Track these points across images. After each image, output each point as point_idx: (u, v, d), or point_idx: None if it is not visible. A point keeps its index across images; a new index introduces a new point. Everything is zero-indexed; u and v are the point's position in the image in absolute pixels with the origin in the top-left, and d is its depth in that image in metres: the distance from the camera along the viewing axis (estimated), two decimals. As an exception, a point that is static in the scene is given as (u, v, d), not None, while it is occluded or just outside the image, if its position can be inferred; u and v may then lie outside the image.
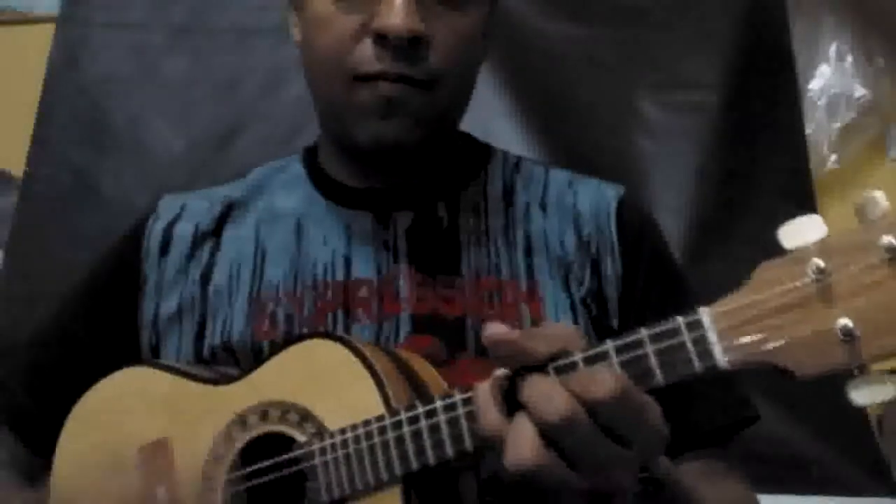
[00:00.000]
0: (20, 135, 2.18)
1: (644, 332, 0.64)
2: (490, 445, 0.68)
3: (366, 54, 0.89)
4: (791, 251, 0.60)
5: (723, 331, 0.61)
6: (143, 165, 2.17)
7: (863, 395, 0.57)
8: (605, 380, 0.62)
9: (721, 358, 0.61)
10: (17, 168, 2.19)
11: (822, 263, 0.58)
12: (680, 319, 0.63)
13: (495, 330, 0.65)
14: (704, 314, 0.63)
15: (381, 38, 0.88)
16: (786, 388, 1.75)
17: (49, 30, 2.26)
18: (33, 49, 2.26)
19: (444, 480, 0.76)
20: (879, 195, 0.57)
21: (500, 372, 0.67)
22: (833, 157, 2.11)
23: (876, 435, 1.89)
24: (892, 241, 0.56)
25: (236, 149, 2.17)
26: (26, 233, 2.15)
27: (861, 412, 1.89)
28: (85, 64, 2.24)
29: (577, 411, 0.62)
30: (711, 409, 0.93)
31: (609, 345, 0.65)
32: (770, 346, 0.60)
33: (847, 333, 0.57)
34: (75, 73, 2.24)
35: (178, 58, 2.25)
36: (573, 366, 0.65)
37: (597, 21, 2.20)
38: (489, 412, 0.66)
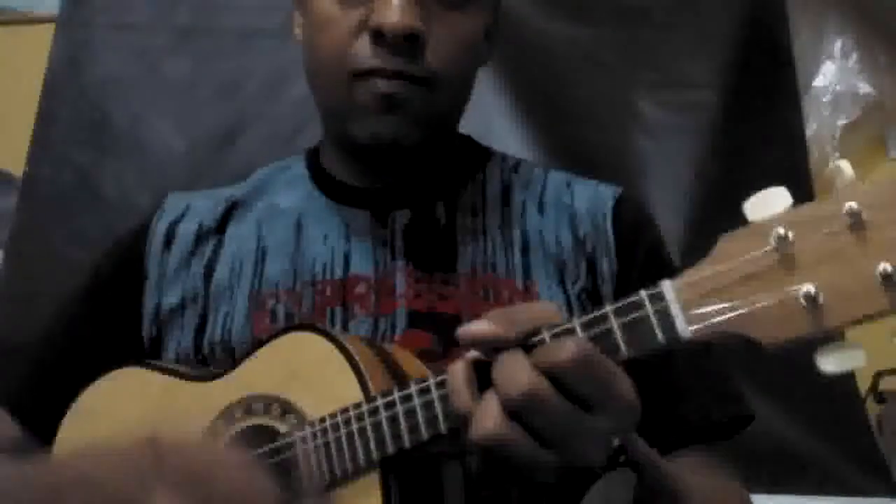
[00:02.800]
0: (20, 135, 2.18)
1: (609, 307, 0.64)
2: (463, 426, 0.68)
3: (363, 51, 0.89)
4: (754, 222, 0.60)
5: (685, 302, 0.61)
6: (145, 166, 2.17)
7: (831, 363, 0.56)
8: (565, 346, 0.62)
9: (684, 329, 0.61)
10: (17, 168, 2.20)
11: (783, 232, 0.58)
12: (643, 292, 0.64)
13: (468, 332, 0.66)
14: (667, 286, 0.63)
15: (378, 35, 0.88)
16: (786, 387, 1.77)
17: (49, 30, 2.26)
18: (33, 49, 2.26)
19: (426, 468, 0.76)
20: (844, 164, 0.57)
21: (472, 353, 0.68)
22: (836, 156, 2.10)
23: (876, 435, 1.89)
24: (854, 206, 0.56)
25: (238, 149, 2.17)
26: (26, 233, 2.15)
27: (861, 412, 1.89)
28: (86, 65, 2.25)
29: (540, 384, 0.62)
30: (703, 405, 0.93)
31: (575, 321, 0.65)
32: (733, 315, 0.59)
33: (810, 300, 0.56)
34: (76, 74, 2.24)
35: (180, 59, 2.26)
36: (542, 343, 0.66)
37: (597, 21, 2.20)
38: (461, 392, 0.67)
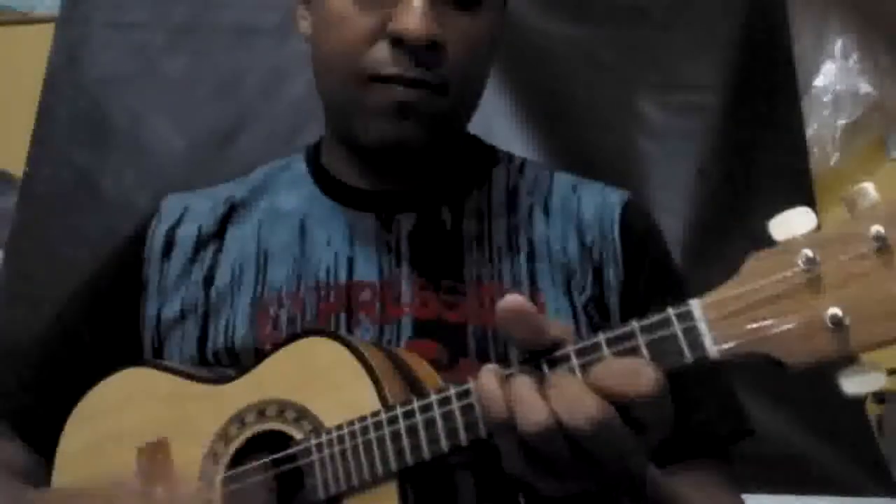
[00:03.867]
0: (20, 135, 2.18)
1: (635, 324, 0.64)
2: (487, 439, 0.68)
3: (382, 56, 0.88)
4: (781, 242, 0.60)
5: (713, 321, 0.61)
6: (144, 165, 2.18)
7: (854, 385, 0.56)
8: (643, 374, 0.61)
9: (711, 348, 0.61)
10: (17, 168, 2.19)
11: (811, 254, 0.58)
12: (671, 310, 0.63)
13: (513, 300, 0.64)
14: (695, 305, 0.62)
15: (397, 41, 0.87)
16: (786, 388, 1.78)
17: (49, 30, 2.27)
18: (33, 49, 2.26)
19: (440, 477, 0.76)
20: (869, 186, 0.57)
21: (493, 366, 0.67)
22: (836, 156, 2.11)
23: (876, 435, 1.89)
24: (881, 230, 0.56)
25: (237, 148, 2.18)
26: (26, 233, 2.15)
27: (861, 412, 1.90)
28: (85, 64, 2.25)
29: (607, 411, 0.61)
30: (708, 418, 0.93)
31: (601, 337, 0.65)
32: (760, 335, 0.59)
33: (836, 322, 0.56)
34: (76, 73, 2.24)
35: (179, 57, 2.26)
36: (566, 358, 0.65)
37: (597, 21, 2.21)
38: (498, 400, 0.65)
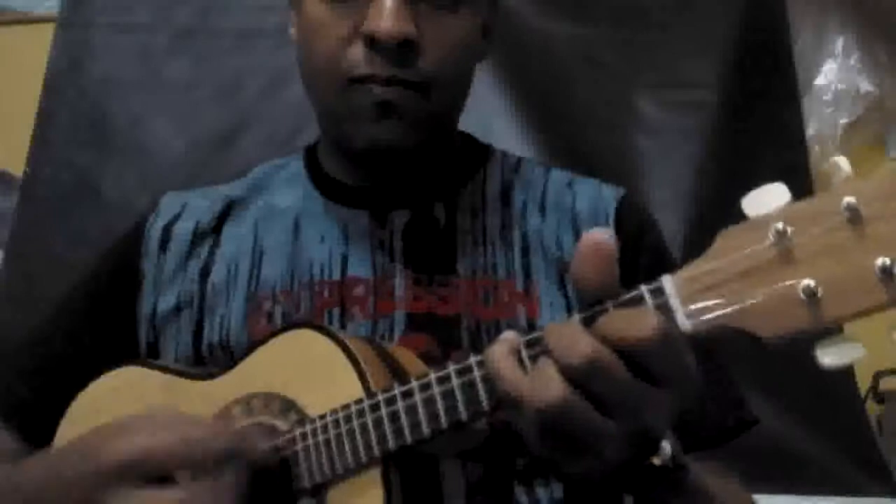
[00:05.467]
0: (20, 135, 2.18)
1: (609, 302, 0.63)
2: (465, 424, 0.68)
3: (357, 57, 0.89)
4: (752, 217, 0.60)
5: (685, 297, 0.61)
6: (144, 166, 2.18)
7: (830, 356, 0.56)
8: (641, 320, 0.60)
9: (684, 323, 0.60)
10: (18, 168, 2.20)
11: (782, 227, 0.57)
12: (643, 287, 0.63)
13: (595, 234, 0.63)
14: (667, 281, 0.62)
15: (371, 42, 0.88)
16: (785, 387, 1.77)
17: (49, 30, 2.27)
18: (33, 49, 2.27)
19: (425, 463, 0.77)
20: (842, 160, 0.57)
21: (509, 334, 0.67)
22: (837, 155, 2.10)
23: (876, 435, 1.88)
24: (852, 201, 0.55)
25: (237, 150, 2.18)
26: (26, 233, 2.16)
27: (861, 412, 1.89)
28: (86, 65, 2.25)
29: (601, 351, 0.60)
30: (708, 410, 0.92)
31: (576, 316, 0.64)
32: (733, 310, 0.59)
33: (809, 294, 0.56)
34: (77, 74, 2.24)
35: (180, 59, 2.26)
36: (539, 340, 0.65)
37: (596, 21, 2.21)
38: (507, 368, 0.64)
